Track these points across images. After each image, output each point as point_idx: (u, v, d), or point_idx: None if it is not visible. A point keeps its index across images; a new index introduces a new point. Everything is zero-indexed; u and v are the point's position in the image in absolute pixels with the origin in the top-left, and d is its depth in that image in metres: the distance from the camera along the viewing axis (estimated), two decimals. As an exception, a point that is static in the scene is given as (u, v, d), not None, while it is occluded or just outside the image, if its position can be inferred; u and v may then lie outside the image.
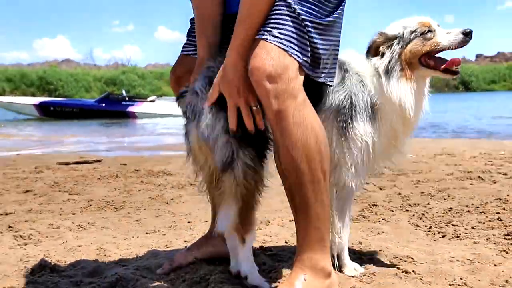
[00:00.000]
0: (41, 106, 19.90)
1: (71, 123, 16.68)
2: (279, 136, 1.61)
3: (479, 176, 4.14)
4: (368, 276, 1.95)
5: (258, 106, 1.64)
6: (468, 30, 1.92)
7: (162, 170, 4.98)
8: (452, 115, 15.69)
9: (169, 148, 8.16)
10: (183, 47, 2.07)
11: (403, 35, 1.96)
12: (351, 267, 2.00)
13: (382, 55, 1.96)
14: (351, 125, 1.88)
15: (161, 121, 16.93)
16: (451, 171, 4.52)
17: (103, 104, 19.99)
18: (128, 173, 4.86)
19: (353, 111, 1.89)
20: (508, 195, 3.34)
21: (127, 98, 20.68)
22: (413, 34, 1.95)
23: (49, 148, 8.56)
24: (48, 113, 19.70)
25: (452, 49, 1.94)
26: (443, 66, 1.95)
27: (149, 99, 21.25)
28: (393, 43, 1.96)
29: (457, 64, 1.95)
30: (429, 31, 1.96)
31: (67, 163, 5.74)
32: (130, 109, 19.66)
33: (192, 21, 2.02)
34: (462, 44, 1.93)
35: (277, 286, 1.71)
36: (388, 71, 1.93)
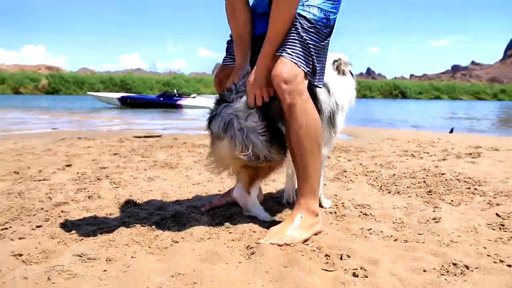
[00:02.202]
0: (121, 99, 19.89)
1: (140, 111, 16.66)
2: (290, 122, 1.60)
3: (412, 154, 4.12)
4: (341, 217, 1.96)
5: (268, 98, 1.62)
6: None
7: (202, 143, 4.97)
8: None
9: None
10: (224, 60, 1.99)
11: None
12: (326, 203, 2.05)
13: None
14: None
15: (200, 111, 16.88)
16: (394, 150, 4.50)
17: (161, 99, 19.94)
18: (179, 145, 4.85)
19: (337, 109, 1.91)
20: (429, 167, 3.32)
21: (177, 95, 20.59)
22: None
23: (127, 126, 8.58)
24: (126, 104, 19.68)
25: None
26: None
27: (191, 96, 21.18)
28: None
29: None
30: None
31: (139, 137, 5.75)
32: (179, 102, 19.60)
33: (229, 42, 1.98)
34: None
35: (282, 221, 1.72)
36: None
